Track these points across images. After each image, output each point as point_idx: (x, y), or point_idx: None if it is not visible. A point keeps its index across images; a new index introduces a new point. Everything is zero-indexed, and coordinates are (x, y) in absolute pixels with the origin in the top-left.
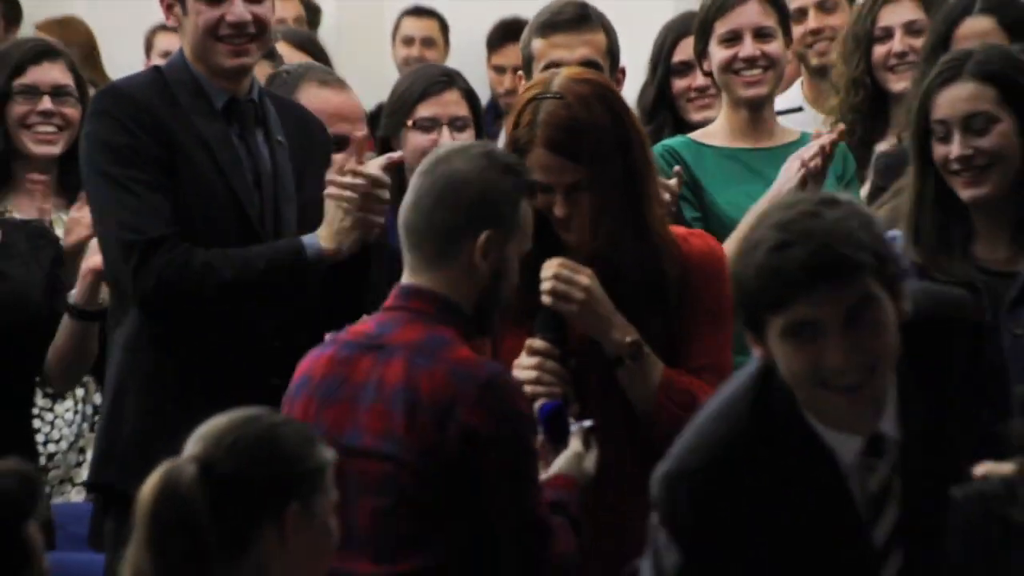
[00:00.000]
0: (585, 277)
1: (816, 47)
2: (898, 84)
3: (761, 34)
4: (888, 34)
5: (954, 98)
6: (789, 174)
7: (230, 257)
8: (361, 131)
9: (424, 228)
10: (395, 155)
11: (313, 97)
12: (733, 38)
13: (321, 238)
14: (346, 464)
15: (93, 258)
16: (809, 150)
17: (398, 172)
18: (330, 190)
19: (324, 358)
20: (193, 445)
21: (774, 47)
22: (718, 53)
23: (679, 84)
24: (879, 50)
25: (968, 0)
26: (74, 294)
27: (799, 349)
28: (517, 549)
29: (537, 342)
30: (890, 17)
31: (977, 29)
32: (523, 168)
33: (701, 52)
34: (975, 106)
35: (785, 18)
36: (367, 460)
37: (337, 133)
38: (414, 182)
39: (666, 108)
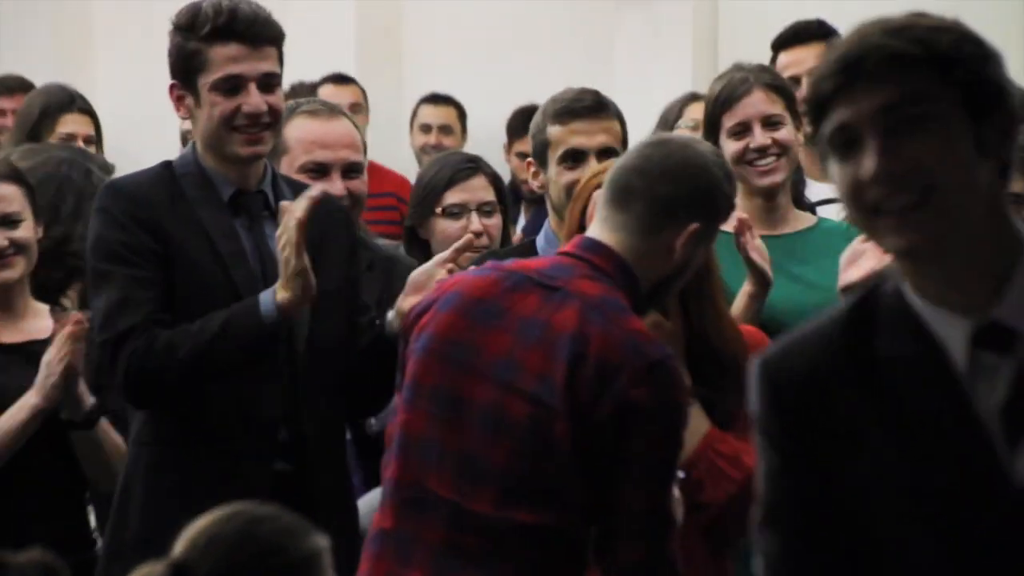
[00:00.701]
0: None
1: None
2: None
3: (770, 122)
4: None
5: None
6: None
7: (189, 330)
8: (347, 158)
9: (641, 191)
10: (314, 192)
11: (296, 129)
12: (742, 130)
13: (277, 289)
14: (492, 394)
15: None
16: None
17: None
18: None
19: (485, 281)
20: (177, 546)
21: (784, 133)
22: (729, 146)
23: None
24: None
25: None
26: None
27: (841, 164)
28: (642, 533)
29: None
30: None
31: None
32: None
33: (711, 143)
34: None
35: (792, 103)
36: (518, 398)
37: (315, 160)
38: (637, 148)
39: None
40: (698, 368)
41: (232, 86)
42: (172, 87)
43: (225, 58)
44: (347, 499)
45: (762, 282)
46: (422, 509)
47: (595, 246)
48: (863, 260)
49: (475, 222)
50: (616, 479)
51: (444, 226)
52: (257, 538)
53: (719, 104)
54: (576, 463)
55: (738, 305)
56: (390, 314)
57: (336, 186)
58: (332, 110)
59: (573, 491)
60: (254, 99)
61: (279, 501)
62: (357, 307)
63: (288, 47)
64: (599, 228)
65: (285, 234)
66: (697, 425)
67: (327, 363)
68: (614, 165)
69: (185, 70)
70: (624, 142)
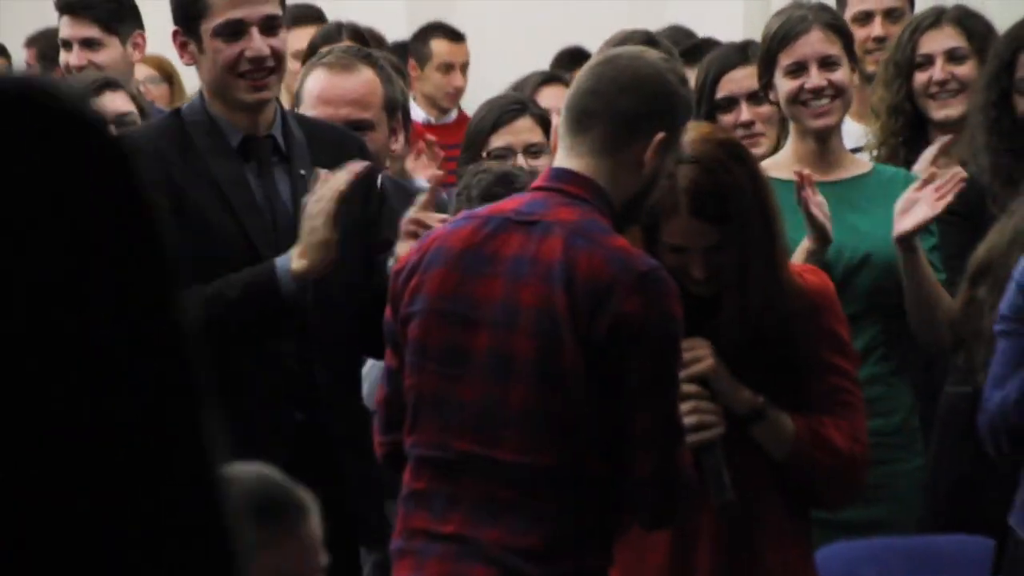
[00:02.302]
0: (704, 365)
1: (876, 55)
2: (939, 112)
3: (827, 63)
4: (929, 61)
5: None
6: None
7: (204, 294)
8: (350, 116)
9: (600, 111)
10: (359, 165)
11: (311, 80)
12: (798, 69)
13: (293, 257)
14: (497, 340)
15: None
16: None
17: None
18: (311, 203)
19: (464, 231)
20: None
21: (840, 75)
22: (784, 84)
23: (725, 120)
24: (920, 77)
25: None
26: None
27: None
28: (653, 448)
29: (687, 386)
30: (931, 44)
31: None
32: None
33: (766, 84)
34: None
35: (850, 44)
36: (522, 337)
37: (341, 118)
38: (588, 71)
39: None
40: (753, 354)
41: (234, 31)
42: (175, 33)
43: (225, 3)
44: (365, 445)
45: (823, 239)
46: (449, 466)
47: (565, 174)
48: (916, 208)
49: (521, 164)
50: (623, 398)
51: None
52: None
53: (776, 41)
54: (588, 391)
55: (796, 260)
56: (390, 260)
57: None
58: (349, 62)
59: (590, 425)
60: (256, 43)
61: (300, 451)
62: (378, 244)
63: None
64: (565, 156)
65: (320, 203)
66: (782, 424)
67: (338, 311)
68: (569, 91)
69: (186, 16)
70: None
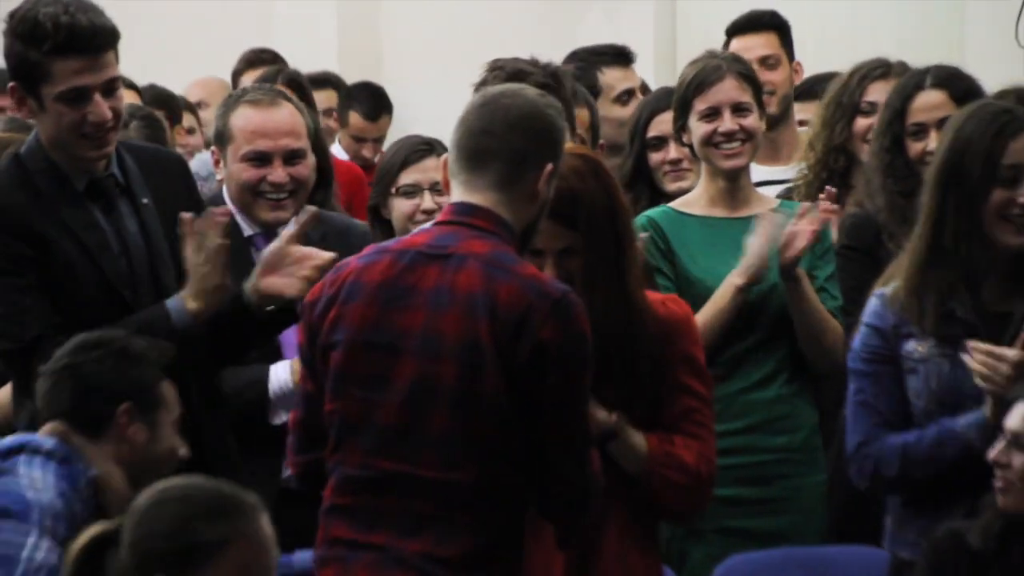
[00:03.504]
0: None
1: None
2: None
3: (739, 109)
4: (873, 109)
5: None
6: (756, 252)
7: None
8: (288, 146)
9: (496, 149)
10: (219, 211)
11: (239, 118)
12: (712, 113)
13: (187, 299)
14: (419, 368)
15: None
16: (792, 235)
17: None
18: (190, 259)
19: (380, 265)
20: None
21: (751, 121)
22: (699, 128)
23: (655, 158)
24: (861, 123)
25: (920, 76)
26: None
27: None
28: (569, 458)
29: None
30: (877, 93)
31: (930, 102)
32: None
33: (681, 127)
34: None
35: (759, 93)
36: (444, 364)
37: (256, 150)
38: (473, 111)
39: (643, 180)
40: (614, 370)
41: (77, 95)
42: (12, 88)
43: (69, 72)
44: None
45: (755, 277)
46: (373, 483)
47: (470, 209)
48: (795, 241)
49: (427, 200)
50: (541, 414)
51: (400, 205)
52: (164, 517)
53: (691, 88)
54: (507, 414)
55: (720, 298)
56: (246, 286)
57: (278, 173)
58: (274, 98)
59: (508, 445)
60: (99, 108)
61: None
62: None
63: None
64: (463, 191)
65: (204, 252)
66: (636, 442)
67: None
68: (456, 131)
69: (28, 78)
70: (593, 127)
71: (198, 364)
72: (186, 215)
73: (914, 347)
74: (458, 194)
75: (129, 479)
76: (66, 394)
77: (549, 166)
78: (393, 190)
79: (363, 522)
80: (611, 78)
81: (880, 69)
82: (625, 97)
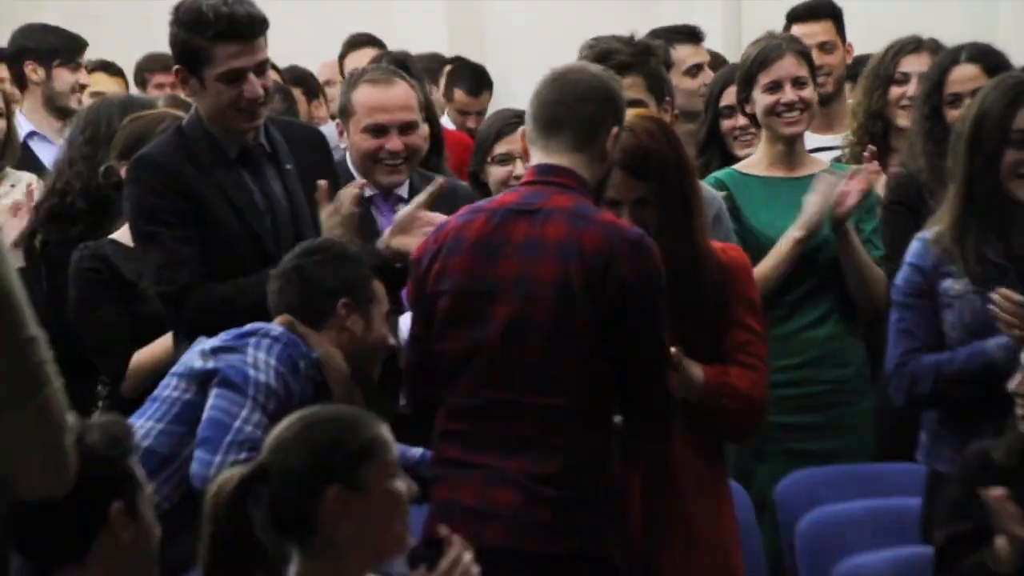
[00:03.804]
0: None
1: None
2: (903, 120)
3: (798, 83)
4: (906, 79)
5: None
6: (813, 209)
7: (241, 285)
8: (402, 119)
9: (569, 117)
10: (357, 185)
11: (360, 95)
12: (775, 87)
13: None
14: (516, 309)
15: None
16: (843, 194)
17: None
18: (325, 221)
19: (476, 223)
20: (263, 451)
21: (807, 92)
22: (762, 99)
23: (726, 124)
24: (895, 91)
25: (956, 51)
26: None
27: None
28: (649, 380)
29: None
30: (910, 65)
31: (965, 75)
32: None
33: (745, 98)
34: None
35: (813, 69)
36: (538, 306)
37: (375, 122)
38: (546, 86)
39: (716, 144)
40: (680, 307)
41: (235, 76)
42: (178, 71)
43: (227, 55)
44: None
45: (810, 227)
46: (481, 411)
47: (552, 168)
48: (848, 197)
49: (519, 167)
50: (628, 343)
51: (495, 171)
52: (317, 431)
53: (756, 64)
54: (595, 344)
55: (781, 249)
56: (379, 243)
57: (394, 142)
58: (390, 76)
59: (596, 372)
60: (253, 86)
61: None
62: None
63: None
64: (543, 155)
65: (338, 217)
66: (694, 373)
67: None
68: (531, 104)
69: (191, 61)
70: (654, 90)
71: None
72: (322, 183)
73: (951, 284)
74: (538, 158)
75: (349, 364)
76: (293, 291)
77: (615, 129)
78: (489, 159)
79: (471, 445)
80: (682, 53)
81: (912, 44)
82: (694, 70)
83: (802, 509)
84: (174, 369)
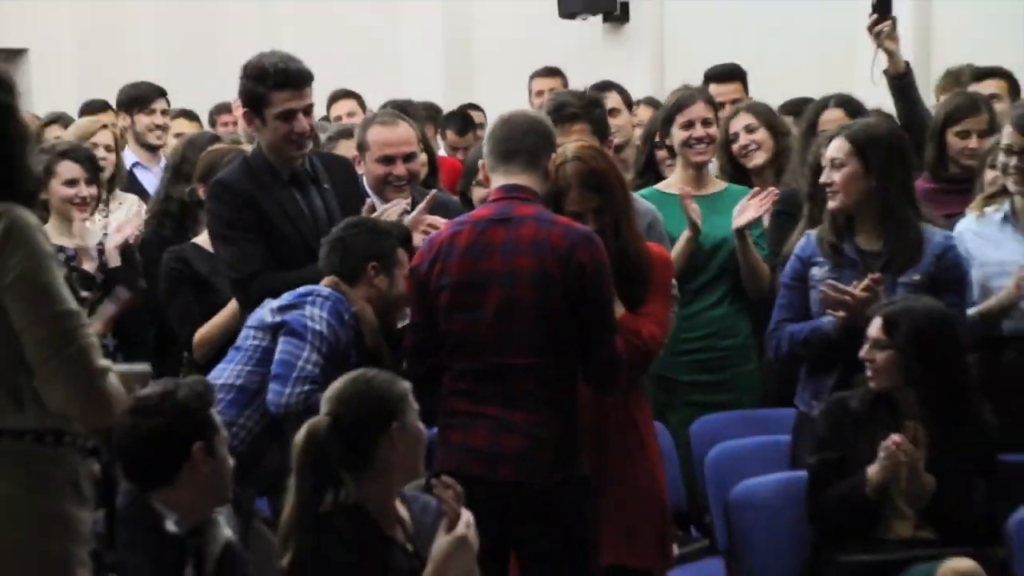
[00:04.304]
0: None
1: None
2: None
3: (706, 122)
4: (736, 138)
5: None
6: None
7: (294, 276)
8: (405, 150)
9: (518, 147)
10: (430, 196)
11: (373, 133)
12: (688, 125)
13: None
14: (504, 294)
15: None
16: (748, 208)
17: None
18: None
19: (464, 232)
20: (325, 404)
21: (714, 130)
22: (679, 134)
23: (659, 155)
24: (733, 147)
25: (826, 100)
26: None
27: None
28: (605, 339)
29: None
30: (735, 125)
31: (831, 117)
32: None
33: (665, 133)
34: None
35: (716, 112)
36: (523, 289)
37: (384, 154)
38: (498, 127)
39: (651, 169)
40: (619, 274)
41: (288, 115)
42: (245, 113)
43: (283, 99)
44: None
45: (695, 230)
46: (484, 373)
47: (513, 187)
48: (746, 211)
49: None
50: (588, 312)
51: (478, 191)
52: (374, 388)
53: (675, 107)
54: (566, 314)
55: (679, 246)
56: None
57: (399, 169)
58: (395, 118)
59: (568, 336)
60: (302, 124)
61: None
62: None
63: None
64: (504, 178)
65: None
66: (616, 310)
67: None
68: (488, 141)
69: (256, 105)
70: (599, 132)
71: None
72: (369, 201)
73: (816, 271)
74: (500, 180)
75: (376, 314)
76: (336, 255)
77: (552, 154)
78: (474, 182)
79: (477, 399)
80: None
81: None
82: (614, 112)
83: (708, 445)
84: (249, 323)
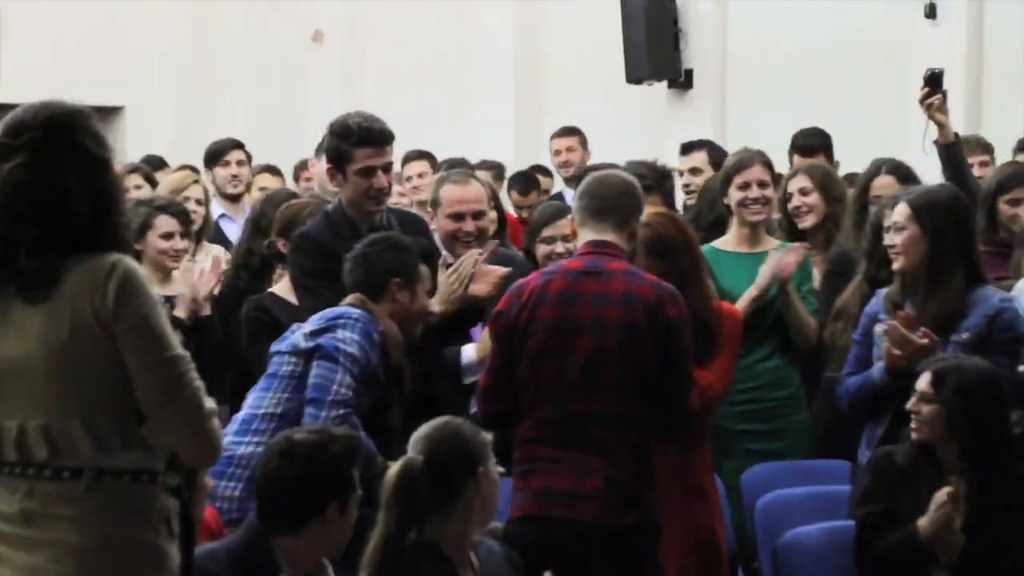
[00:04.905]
0: None
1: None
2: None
3: (763, 184)
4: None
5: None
6: (764, 276)
7: None
8: (475, 208)
9: (611, 206)
10: (490, 245)
11: (445, 192)
12: (745, 186)
13: (435, 303)
14: (593, 342)
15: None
16: (786, 264)
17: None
18: (443, 279)
19: (555, 281)
20: (415, 445)
21: (770, 192)
22: (735, 194)
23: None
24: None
25: (877, 166)
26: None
27: None
28: (683, 394)
29: None
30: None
31: (883, 183)
32: None
33: (723, 192)
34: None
35: (774, 174)
36: (610, 339)
37: (455, 212)
38: (592, 185)
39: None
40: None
41: (368, 172)
42: (329, 169)
43: (364, 156)
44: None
45: (763, 289)
46: (566, 420)
47: (603, 243)
48: (787, 267)
49: (559, 246)
50: (670, 365)
51: (542, 248)
52: (463, 435)
53: (733, 169)
54: (652, 366)
55: (742, 303)
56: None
57: (469, 225)
58: (467, 178)
59: (652, 388)
60: (381, 181)
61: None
62: None
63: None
64: (594, 233)
65: (459, 273)
66: None
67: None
68: (582, 197)
69: (339, 161)
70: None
71: (431, 345)
72: (445, 255)
73: (879, 327)
74: (589, 235)
75: (399, 326)
76: (359, 271)
77: (640, 216)
78: (538, 239)
79: (559, 445)
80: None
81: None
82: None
83: (760, 493)
84: (280, 348)
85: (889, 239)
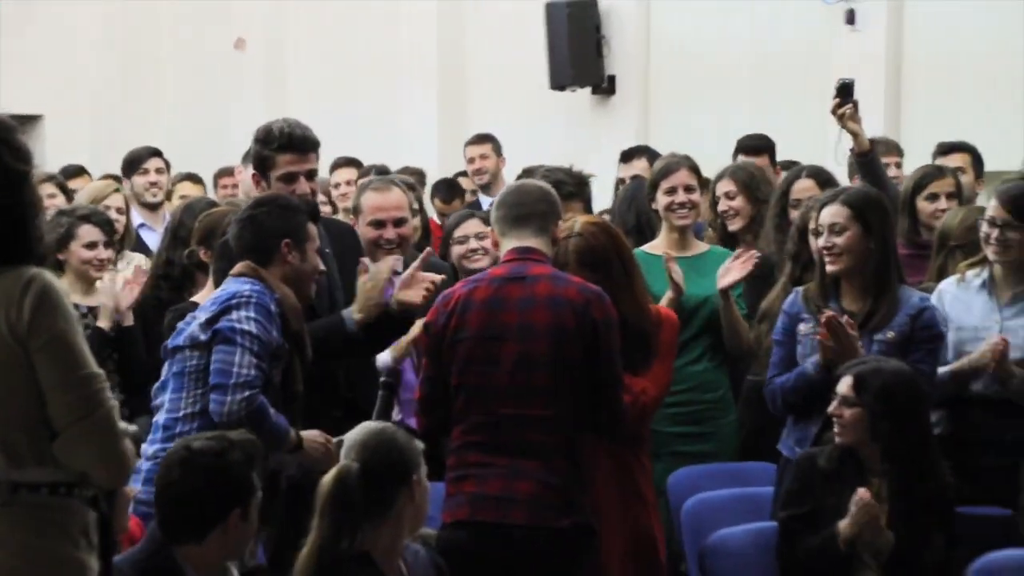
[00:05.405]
0: None
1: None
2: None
3: (689, 189)
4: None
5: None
6: (679, 277)
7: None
8: (396, 215)
9: (529, 213)
10: (393, 258)
11: (366, 199)
12: (672, 191)
13: (355, 312)
14: (520, 347)
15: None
16: (736, 272)
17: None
18: (361, 286)
19: (481, 288)
20: (347, 452)
21: (696, 196)
22: (662, 199)
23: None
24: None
25: (797, 171)
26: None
27: None
28: (613, 392)
29: None
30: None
31: (803, 187)
32: None
33: (651, 198)
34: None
35: (701, 179)
36: (539, 343)
37: (376, 219)
38: (510, 194)
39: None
40: (623, 337)
41: (290, 178)
42: (254, 175)
43: (286, 162)
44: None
45: (678, 291)
46: (497, 425)
47: (526, 249)
48: (730, 273)
49: (472, 243)
50: (599, 367)
51: (458, 250)
52: (397, 443)
53: (660, 173)
54: (580, 368)
55: (662, 304)
56: (391, 299)
57: (390, 232)
58: (388, 184)
59: (581, 390)
60: (303, 187)
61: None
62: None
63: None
64: (516, 240)
65: (373, 282)
66: None
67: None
68: (500, 207)
69: (262, 167)
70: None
71: (357, 353)
72: (365, 260)
73: (803, 327)
74: (512, 243)
75: (291, 287)
76: (247, 235)
77: (559, 220)
78: (451, 240)
79: (489, 451)
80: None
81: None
82: None
83: (686, 496)
84: (178, 342)
85: (825, 240)
